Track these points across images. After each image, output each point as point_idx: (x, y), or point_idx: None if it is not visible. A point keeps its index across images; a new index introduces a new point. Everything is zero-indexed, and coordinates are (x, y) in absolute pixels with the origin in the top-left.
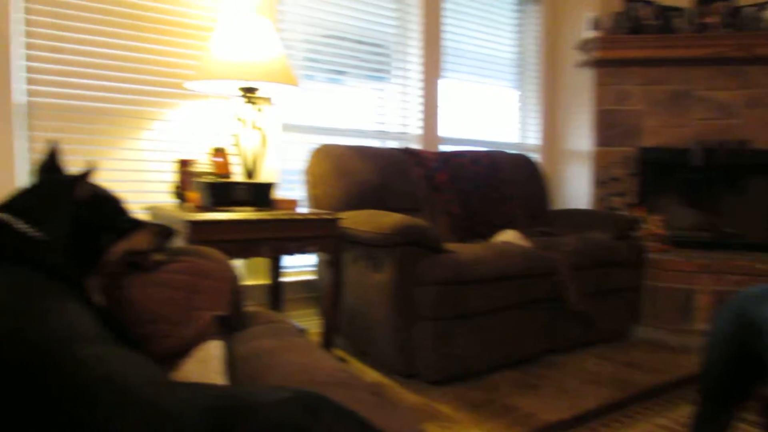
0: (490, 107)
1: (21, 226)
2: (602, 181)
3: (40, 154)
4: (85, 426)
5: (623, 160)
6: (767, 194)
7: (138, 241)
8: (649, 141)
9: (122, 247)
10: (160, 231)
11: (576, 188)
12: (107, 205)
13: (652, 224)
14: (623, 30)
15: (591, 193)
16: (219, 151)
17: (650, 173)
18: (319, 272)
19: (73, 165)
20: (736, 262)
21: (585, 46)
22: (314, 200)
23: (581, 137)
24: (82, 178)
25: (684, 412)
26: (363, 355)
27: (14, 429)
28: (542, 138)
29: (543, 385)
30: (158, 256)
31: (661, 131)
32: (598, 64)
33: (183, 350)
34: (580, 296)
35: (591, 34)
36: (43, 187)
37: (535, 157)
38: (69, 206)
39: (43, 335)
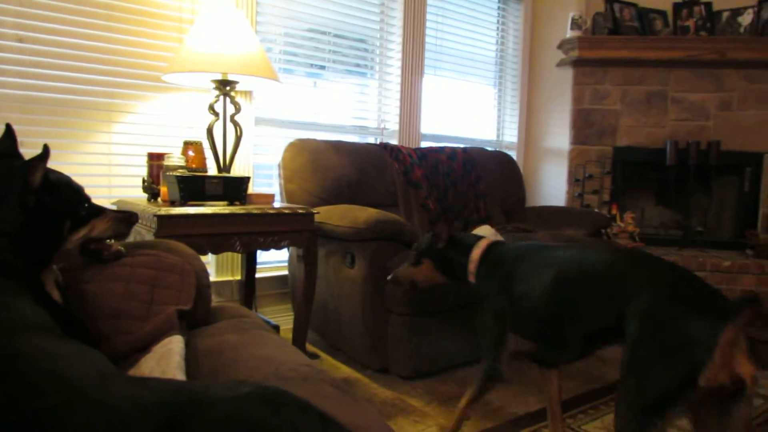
0: (469, 104)
1: None
2: (578, 179)
3: None
4: (27, 419)
5: (598, 158)
6: (735, 194)
7: (98, 229)
8: (624, 140)
9: (81, 234)
10: (122, 217)
11: (552, 186)
12: (65, 192)
13: (625, 222)
14: (603, 30)
15: (567, 190)
16: (192, 145)
17: (624, 172)
18: (291, 267)
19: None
20: (702, 260)
21: (565, 45)
22: (289, 195)
23: (558, 135)
24: (36, 163)
25: None
26: (335, 351)
27: None
28: (520, 136)
29: (513, 379)
30: (119, 245)
31: (636, 131)
32: (577, 63)
33: (144, 346)
34: None
35: (571, 33)
36: None
37: (512, 154)
38: (21, 195)
39: None
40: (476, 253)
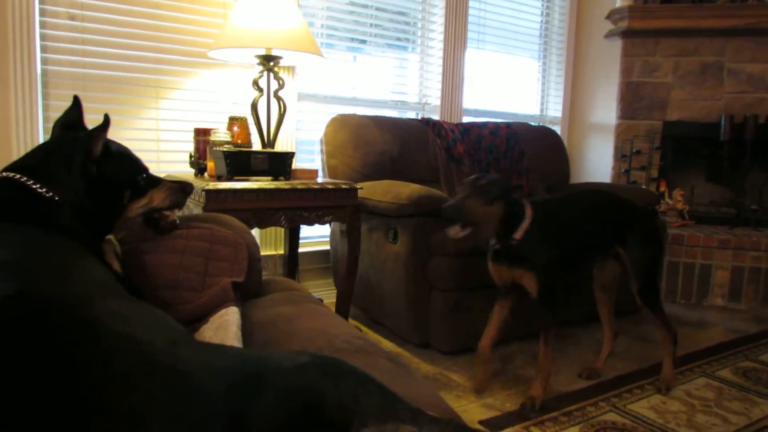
0: (512, 78)
1: (34, 186)
2: (624, 155)
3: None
4: (103, 383)
5: (647, 133)
6: None
7: (157, 199)
8: (676, 114)
9: (142, 204)
10: (178, 188)
11: (598, 162)
12: (125, 162)
13: (674, 199)
14: None
15: (613, 166)
16: (237, 121)
17: (674, 147)
18: (333, 242)
19: None
20: (756, 239)
21: (614, 15)
22: (331, 170)
23: (605, 110)
24: (97, 132)
25: (697, 385)
26: (377, 325)
27: (35, 386)
28: (564, 110)
29: (556, 357)
30: (175, 216)
31: (688, 104)
32: (627, 34)
33: (201, 316)
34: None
35: (621, 3)
36: (57, 144)
37: (557, 129)
38: (84, 164)
39: (62, 291)
40: (529, 210)
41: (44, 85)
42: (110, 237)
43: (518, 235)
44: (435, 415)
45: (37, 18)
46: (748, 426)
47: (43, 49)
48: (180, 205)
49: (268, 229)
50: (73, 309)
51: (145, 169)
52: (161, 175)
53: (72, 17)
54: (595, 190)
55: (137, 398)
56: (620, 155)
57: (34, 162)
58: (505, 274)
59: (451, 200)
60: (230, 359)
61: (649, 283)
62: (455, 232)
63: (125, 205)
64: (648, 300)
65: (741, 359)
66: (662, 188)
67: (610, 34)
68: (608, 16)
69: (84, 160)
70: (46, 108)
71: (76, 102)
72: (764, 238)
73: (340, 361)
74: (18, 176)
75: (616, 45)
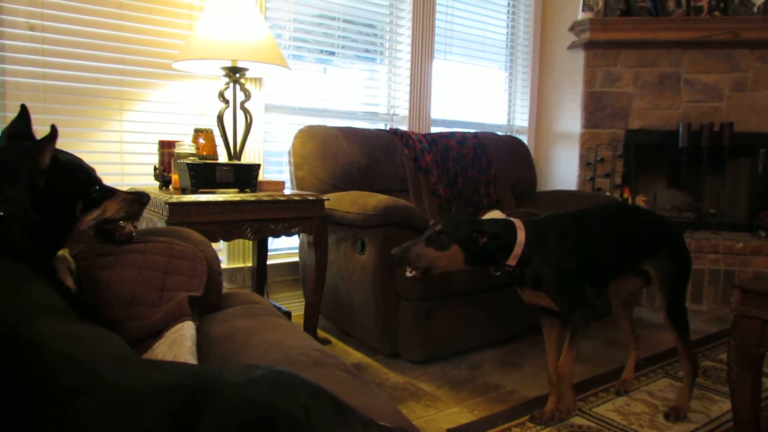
0: (479, 89)
1: None
2: (589, 163)
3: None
4: (44, 401)
5: (610, 142)
6: (749, 176)
7: (111, 210)
8: (637, 123)
9: (94, 216)
10: (134, 198)
11: (564, 170)
12: (76, 173)
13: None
14: (616, 12)
15: (578, 174)
16: (203, 133)
17: (636, 155)
18: (302, 254)
19: None
20: (714, 242)
21: (576, 27)
22: (299, 181)
23: (570, 119)
24: (44, 143)
25: (660, 386)
26: (347, 336)
27: None
28: (531, 120)
29: (525, 363)
30: (131, 227)
31: (648, 113)
32: (589, 45)
33: (157, 331)
34: None
35: (583, 15)
36: (1, 155)
37: (523, 138)
38: (30, 175)
39: (1, 311)
40: (522, 235)
41: (2, 96)
42: (64, 253)
43: (512, 261)
44: (387, 424)
45: None
46: (707, 424)
47: (1, 60)
48: (136, 215)
49: (237, 241)
50: (12, 327)
51: (97, 180)
52: (125, 189)
53: (31, 27)
54: (621, 205)
55: (79, 415)
56: (585, 163)
57: None
58: (529, 297)
59: (398, 247)
60: (178, 375)
61: (677, 301)
62: (408, 272)
63: (77, 217)
64: (674, 318)
65: (701, 359)
66: (626, 195)
67: (573, 46)
68: (571, 28)
69: (31, 171)
70: (3, 120)
71: (24, 111)
72: (722, 241)
73: (291, 374)
74: None
75: (579, 56)
